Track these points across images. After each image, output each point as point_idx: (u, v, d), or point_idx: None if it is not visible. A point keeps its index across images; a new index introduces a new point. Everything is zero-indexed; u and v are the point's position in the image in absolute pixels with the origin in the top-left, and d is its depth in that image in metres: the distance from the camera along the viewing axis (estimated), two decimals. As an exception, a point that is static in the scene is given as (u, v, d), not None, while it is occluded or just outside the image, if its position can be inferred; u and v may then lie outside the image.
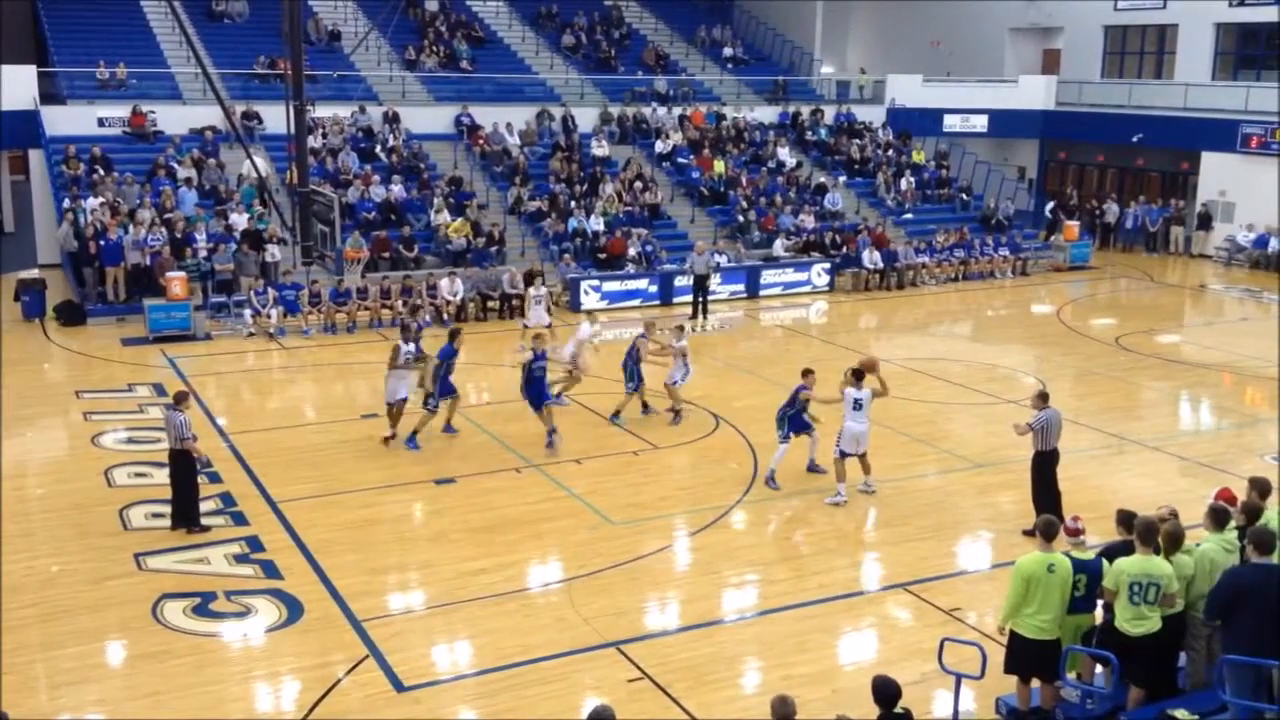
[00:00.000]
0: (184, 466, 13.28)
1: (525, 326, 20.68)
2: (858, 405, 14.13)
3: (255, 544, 13.11)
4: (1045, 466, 13.31)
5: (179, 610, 11.52)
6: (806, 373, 14.92)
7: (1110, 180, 37.79)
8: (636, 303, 26.24)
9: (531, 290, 22.24)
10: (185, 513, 13.32)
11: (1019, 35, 40.61)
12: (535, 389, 16.19)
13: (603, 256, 27.58)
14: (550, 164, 31.02)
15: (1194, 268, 32.53)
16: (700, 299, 25.60)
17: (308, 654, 10.78)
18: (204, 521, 13.42)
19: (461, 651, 10.95)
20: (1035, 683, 9.13)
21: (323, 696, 9.99)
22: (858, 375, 14.29)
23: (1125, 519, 9.20)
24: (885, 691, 7.81)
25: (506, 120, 32.25)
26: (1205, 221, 33.69)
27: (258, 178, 25.17)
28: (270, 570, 12.46)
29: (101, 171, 26.72)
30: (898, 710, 7.80)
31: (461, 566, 12.60)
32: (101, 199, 25.54)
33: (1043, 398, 13.37)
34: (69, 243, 24.73)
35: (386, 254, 26.25)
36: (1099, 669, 9.27)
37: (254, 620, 11.42)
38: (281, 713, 9.90)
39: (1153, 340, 23.70)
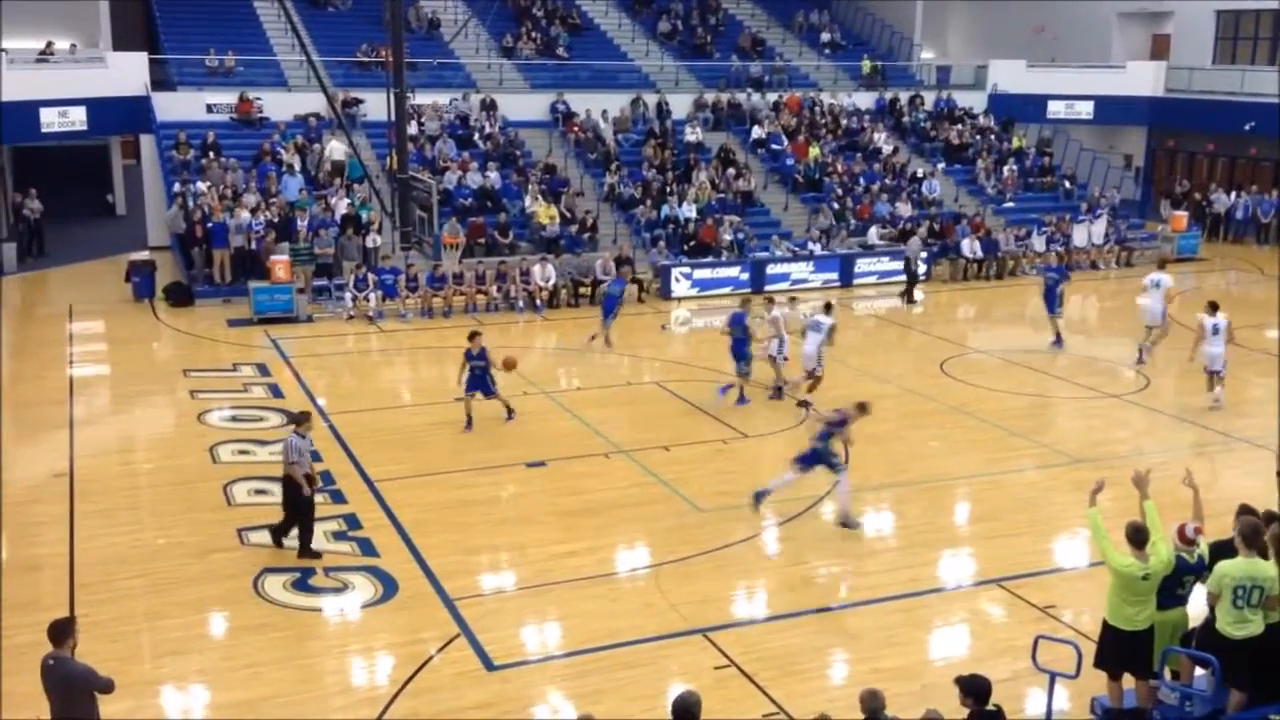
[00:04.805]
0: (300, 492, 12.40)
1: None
2: (1215, 330, 17.31)
3: (353, 521, 13.42)
4: None
5: (279, 584, 11.84)
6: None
7: (1220, 169, 36.56)
8: (727, 290, 26.14)
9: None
10: (303, 541, 12.50)
11: (1127, 20, 39.45)
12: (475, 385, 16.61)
13: (694, 244, 27.55)
14: (643, 151, 31.07)
15: (1308, 260, 31.31)
16: (910, 281, 26.33)
17: (401, 630, 11.01)
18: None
19: (550, 633, 11.08)
20: (1129, 682, 8.93)
21: (415, 673, 10.20)
22: (1213, 306, 17.57)
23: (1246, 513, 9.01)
24: (976, 687, 7.71)
25: (601, 107, 32.37)
26: (1321, 213, 32.44)
27: (343, 159, 25.73)
28: (367, 548, 12.74)
29: (211, 155, 27.47)
30: (989, 707, 7.70)
31: (551, 549, 12.74)
32: (209, 183, 26.28)
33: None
34: (178, 225, 25.48)
35: (482, 240, 26.56)
36: (1198, 671, 9.04)
37: (351, 596, 11.69)
38: (375, 687, 10.12)
39: (1262, 336, 22.85)
